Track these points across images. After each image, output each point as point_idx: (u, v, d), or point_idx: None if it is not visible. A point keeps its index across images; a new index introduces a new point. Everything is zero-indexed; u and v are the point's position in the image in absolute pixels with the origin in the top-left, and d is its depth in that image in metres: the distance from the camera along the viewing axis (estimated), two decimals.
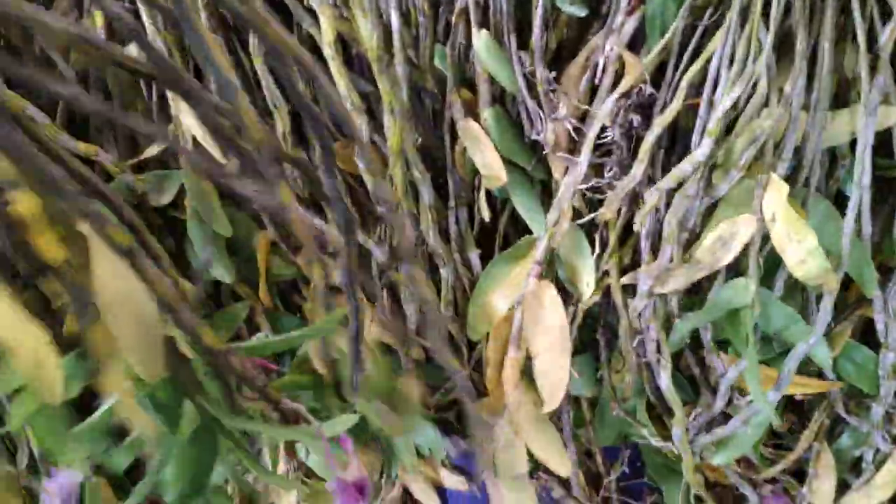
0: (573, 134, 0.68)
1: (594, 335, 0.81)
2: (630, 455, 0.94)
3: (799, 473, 0.87)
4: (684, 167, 0.65)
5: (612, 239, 0.73)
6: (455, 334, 0.82)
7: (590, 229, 0.75)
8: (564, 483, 0.93)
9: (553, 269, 0.75)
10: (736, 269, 0.70)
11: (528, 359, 0.77)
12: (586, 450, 0.95)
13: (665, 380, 0.76)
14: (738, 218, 0.66)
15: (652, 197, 0.66)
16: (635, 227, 0.72)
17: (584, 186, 0.69)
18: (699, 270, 0.68)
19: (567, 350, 0.76)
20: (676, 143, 0.70)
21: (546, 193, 0.75)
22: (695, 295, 0.75)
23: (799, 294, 0.72)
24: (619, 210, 0.72)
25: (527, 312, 0.77)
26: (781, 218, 0.63)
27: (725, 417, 0.84)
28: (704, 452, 0.84)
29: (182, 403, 0.47)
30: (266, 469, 0.71)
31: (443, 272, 0.78)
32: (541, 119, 0.69)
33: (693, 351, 0.82)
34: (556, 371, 0.76)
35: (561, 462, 0.79)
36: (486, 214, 0.74)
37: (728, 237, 0.67)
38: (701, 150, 0.64)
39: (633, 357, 0.77)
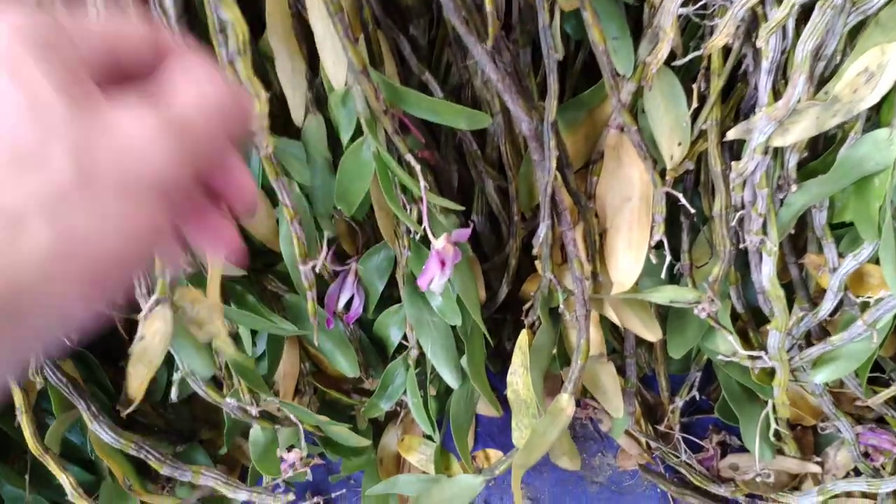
0: None
1: (677, 218, 0.66)
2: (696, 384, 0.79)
3: None
4: None
5: (715, 86, 0.58)
6: (498, 207, 0.67)
7: (685, 81, 0.60)
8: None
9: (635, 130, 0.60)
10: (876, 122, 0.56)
11: (602, 232, 0.63)
12: (644, 374, 0.80)
13: (769, 268, 0.61)
14: (891, 45, 0.52)
15: (781, 11, 0.51)
16: (748, 68, 0.57)
17: (689, 9, 0.54)
18: (834, 113, 0.53)
19: (647, 224, 0.61)
20: None
21: (636, 24, 0.60)
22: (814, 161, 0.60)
23: None
24: (728, 49, 0.57)
25: (603, 176, 0.62)
26: None
27: (824, 334, 0.69)
28: (798, 374, 0.69)
29: None
30: None
31: (488, 128, 0.63)
32: None
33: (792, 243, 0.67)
34: (632, 248, 0.61)
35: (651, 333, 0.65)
36: (558, 51, 0.58)
37: (875, 69, 0.52)
38: None
39: (726, 243, 0.62)
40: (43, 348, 0.26)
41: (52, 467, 0.63)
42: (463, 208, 0.58)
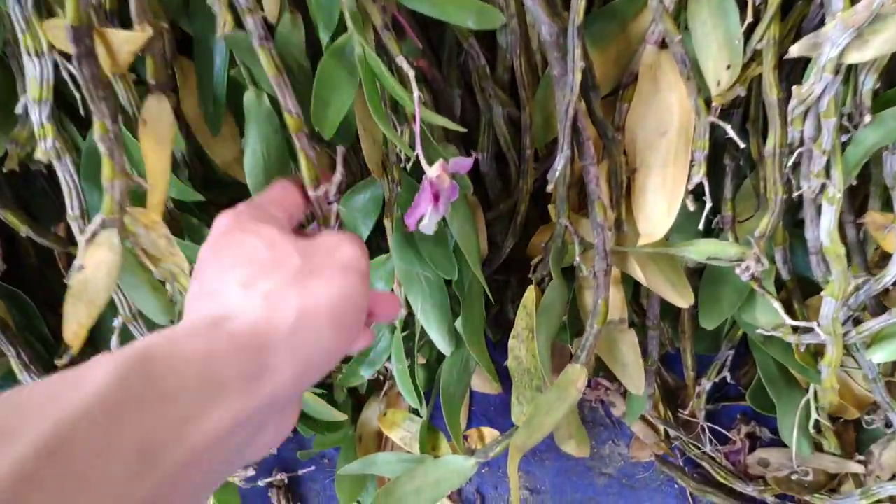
0: None
1: (720, 159, 0.56)
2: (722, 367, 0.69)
3: None
4: None
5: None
6: (507, 141, 0.57)
7: None
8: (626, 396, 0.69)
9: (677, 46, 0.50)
10: None
11: (631, 172, 0.53)
12: (667, 354, 0.70)
13: (829, 220, 0.51)
14: None
15: None
16: None
17: None
18: None
19: (685, 163, 0.51)
20: None
21: None
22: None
23: None
24: None
25: (635, 103, 0.52)
26: None
27: (880, 309, 0.59)
28: (852, 351, 0.59)
29: None
30: None
31: (500, 40, 0.53)
32: None
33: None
34: (666, 191, 0.51)
35: (681, 297, 0.54)
36: None
37: None
38: None
39: (778, 190, 0.52)
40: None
41: None
42: (465, 130, 0.48)
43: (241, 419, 0.28)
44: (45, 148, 0.40)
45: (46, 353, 0.61)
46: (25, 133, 0.52)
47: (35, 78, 0.39)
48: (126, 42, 0.43)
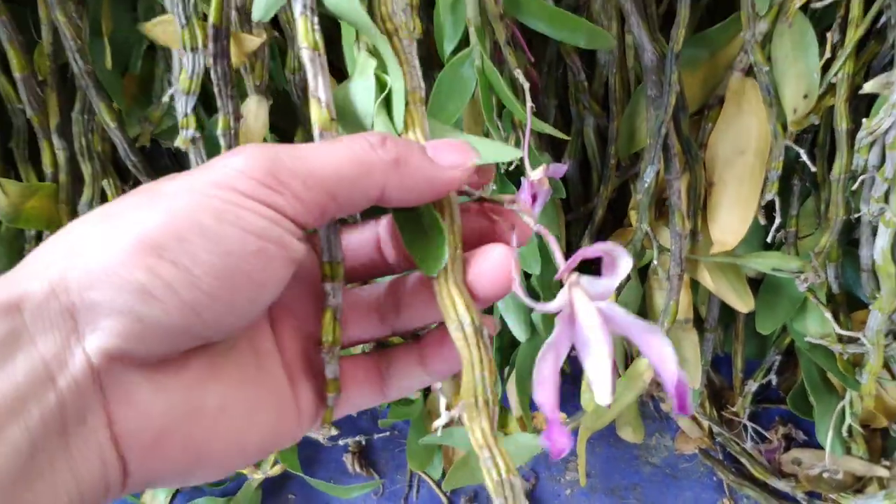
0: None
1: (789, 180, 0.62)
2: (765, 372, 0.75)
3: None
4: None
5: (852, 37, 0.54)
6: (593, 150, 0.63)
7: (817, 30, 0.56)
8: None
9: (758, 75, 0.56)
10: None
11: (708, 186, 0.58)
12: (716, 357, 0.76)
13: (884, 241, 0.56)
14: None
15: None
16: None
17: None
18: None
19: (759, 180, 0.57)
20: None
21: None
22: None
23: None
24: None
25: (719, 123, 0.57)
26: None
27: None
28: (891, 363, 0.65)
29: None
30: None
31: (599, 57, 0.59)
32: None
33: None
34: (740, 205, 0.57)
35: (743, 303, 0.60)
36: None
37: None
38: None
39: (839, 211, 0.58)
40: None
41: None
42: (569, 138, 0.54)
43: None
44: (186, 136, 0.45)
45: None
46: (159, 113, 0.58)
47: (187, 71, 0.44)
48: (247, 44, 0.48)
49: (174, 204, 0.23)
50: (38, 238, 0.59)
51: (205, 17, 0.44)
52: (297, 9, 0.30)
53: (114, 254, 0.22)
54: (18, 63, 0.52)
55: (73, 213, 0.57)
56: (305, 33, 0.29)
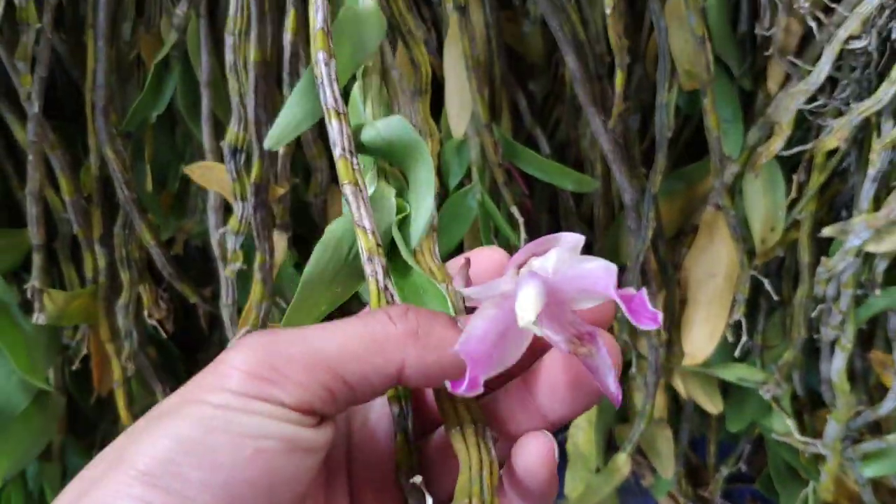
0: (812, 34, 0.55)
1: (756, 299, 0.68)
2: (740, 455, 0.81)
3: None
4: None
5: (816, 181, 0.60)
6: None
7: (787, 167, 0.62)
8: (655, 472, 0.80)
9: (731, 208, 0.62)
10: None
11: (681, 303, 0.64)
12: (693, 438, 0.82)
13: (839, 363, 0.62)
14: None
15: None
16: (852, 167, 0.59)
17: (808, 105, 0.56)
18: None
19: (727, 302, 0.63)
20: None
21: (745, 108, 0.61)
22: None
23: None
24: (836, 149, 0.59)
25: (693, 248, 0.64)
26: None
27: (875, 428, 0.71)
28: (846, 464, 0.71)
29: None
30: None
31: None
32: (774, 8, 0.56)
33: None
34: (710, 323, 0.63)
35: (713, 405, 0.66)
36: (671, 129, 0.59)
37: None
38: None
39: (801, 331, 0.64)
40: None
41: None
42: None
43: None
44: (233, 269, 0.52)
45: None
46: (196, 227, 0.65)
47: (237, 216, 0.51)
48: (273, 192, 0.55)
49: (164, 426, 0.23)
50: (75, 329, 0.66)
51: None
52: (337, 151, 0.31)
53: (110, 489, 0.22)
54: (68, 188, 0.58)
55: (110, 311, 0.64)
56: (346, 173, 0.31)
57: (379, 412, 0.29)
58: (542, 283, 0.24)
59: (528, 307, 0.23)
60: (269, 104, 0.45)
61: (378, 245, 0.30)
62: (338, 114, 0.33)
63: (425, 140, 0.44)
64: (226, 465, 0.22)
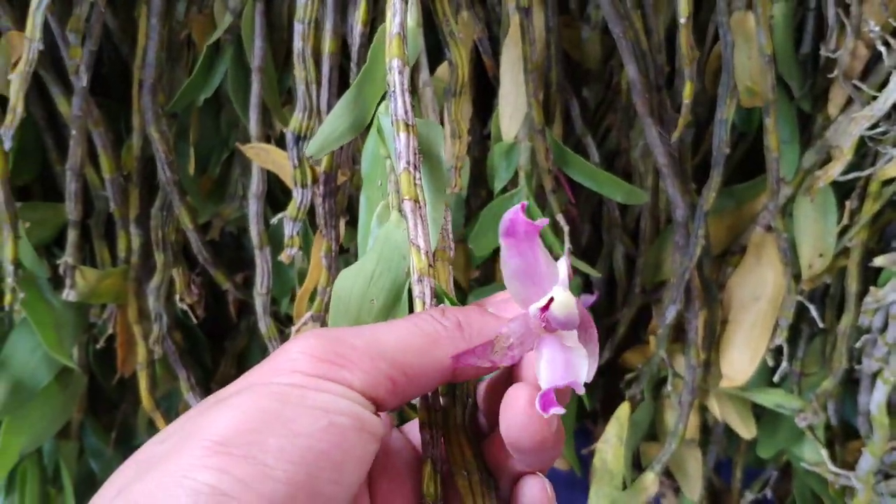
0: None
1: (798, 325, 0.66)
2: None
3: None
4: None
5: (869, 209, 0.58)
6: (620, 273, 0.68)
7: (840, 192, 0.60)
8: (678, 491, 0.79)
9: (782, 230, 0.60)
10: None
11: (723, 324, 0.63)
12: (719, 461, 0.81)
13: (880, 396, 0.61)
14: None
15: None
16: None
17: (871, 132, 0.54)
18: None
19: (770, 326, 0.62)
20: None
21: (802, 130, 0.60)
22: None
23: None
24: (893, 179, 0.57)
25: (739, 269, 0.62)
26: None
27: None
28: (876, 499, 0.69)
29: None
30: None
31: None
32: (841, 30, 0.54)
33: None
34: (750, 347, 0.62)
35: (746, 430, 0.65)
36: (728, 146, 0.57)
37: None
38: None
39: (842, 361, 0.62)
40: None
41: (161, 424, 0.65)
42: (599, 275, 0.59)
43: None
44: (290, 254, 0.51)
45: (204, 379, 0.72)
46: (234, 213, 0.64)
47: (296, 202, 0.50)
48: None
49: (237, 401, 0.23)
50: (102, 308, 0.65)
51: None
52: (401, 165, 0.32)
53: (183, 461, 0.21)
54: (108, 166, 0.57)
55: (140, 292, 0.63)
56: (408, 187, 0.31)
57: (393, 435, 0.30)
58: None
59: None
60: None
61: (430, 266, 0.30)
62: (406, 126, 0.32)
63: (453, 142, 0.43)
64: (303, 434, 0.22)
